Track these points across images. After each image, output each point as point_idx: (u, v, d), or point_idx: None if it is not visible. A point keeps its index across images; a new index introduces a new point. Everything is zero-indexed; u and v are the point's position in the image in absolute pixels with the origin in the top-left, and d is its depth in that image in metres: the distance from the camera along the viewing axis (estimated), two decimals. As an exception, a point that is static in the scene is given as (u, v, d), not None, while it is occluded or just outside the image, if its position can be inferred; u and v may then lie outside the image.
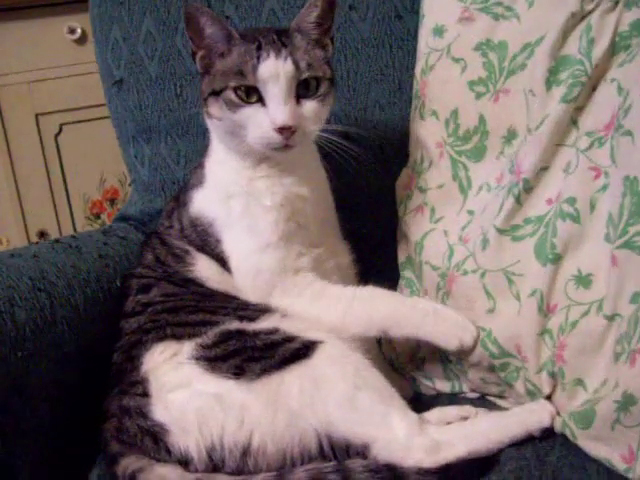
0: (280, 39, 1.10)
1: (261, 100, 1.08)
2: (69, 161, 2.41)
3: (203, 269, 1.19)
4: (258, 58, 1.07)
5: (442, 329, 1.14)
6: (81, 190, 2.44)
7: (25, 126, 2.34)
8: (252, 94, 1.08)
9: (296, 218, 1.18)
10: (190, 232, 1.22)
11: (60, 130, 2.39)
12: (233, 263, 1.18)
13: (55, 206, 2.42)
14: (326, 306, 1.16)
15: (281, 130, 1.07)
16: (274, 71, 1.06)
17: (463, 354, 1.16)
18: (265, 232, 1.15)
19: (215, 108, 1.12)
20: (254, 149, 1.12)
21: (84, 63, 2.24)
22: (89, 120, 2.36)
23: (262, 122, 1.08)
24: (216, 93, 1.11)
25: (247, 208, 1.16)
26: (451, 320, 1.15)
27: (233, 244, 1.18)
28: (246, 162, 1.16)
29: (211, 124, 1.18)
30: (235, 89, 1.08)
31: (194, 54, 1.15)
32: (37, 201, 2.39)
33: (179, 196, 1.29)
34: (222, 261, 1.19)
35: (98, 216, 2.47)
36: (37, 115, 2.35)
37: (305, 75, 1.09)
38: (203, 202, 1.21)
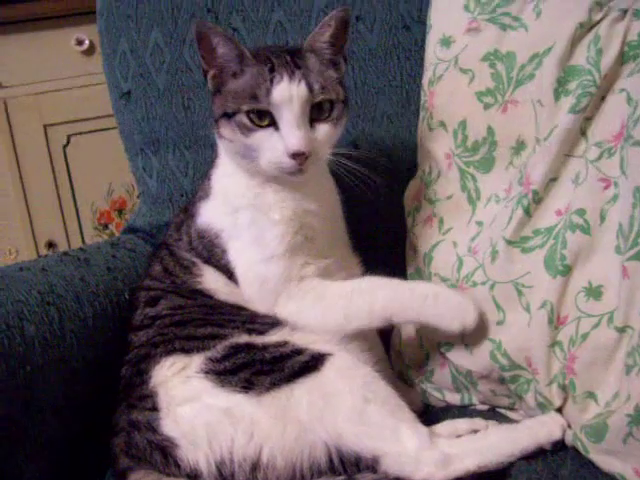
0: (293, 60, 1.09)
1: (274, 123, 1.07)
2: (77, 172, 2.42)
3: (210, 281, 1.19)
4: (271, 81, 1.06)
5: (443, 312, 1.13)
6: (89, 200, 2.45)
7: (33, 137, 2.35)
8: (265, 117, 1.07)
9: (304, 232, 1.17)
10: (197, 244, 1.21)
11: (68, 141, 2.40)
12: (239, 273, 1.18)
13: (63, 217, 2.43)
14: (328, 305, 1.16)
15: (295, 156, 1.06)
16: (288, 95, 1.05)
17: (466, 336, 1.15)
18: (271, 244, 1.15)
19: (227, 130, 1.11)
20: (266, 172, 1.11)
21: (92, 74, 2.25)
22: (97, 131, 2.37)
23: (275, 147, 1.07)
24: (228, 115, 1.10)
25: (254, 220, 1.16)
26: (452, 302, 1.14)
27: (239, 254, 1.18)
28: (255, 180, 1.15)
29: (222, 144, 1.17)
30: (248, 113, 1.07)
31: (205, 73, 1.13)
32: (45, 212, 2.40)
33: (187, 208, 1.29)
34: (228, 272, 1.18)
35: (106, 226, 2.47)
36: (45, 126, 2.36)
37: (319, 98, 1.08)
38: (210, 214, 1.21)
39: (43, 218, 2.40)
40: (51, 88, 2.33)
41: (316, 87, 1.07)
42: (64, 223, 2.43)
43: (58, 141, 2.38)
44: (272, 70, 1.07)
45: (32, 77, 2.31)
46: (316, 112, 1.09)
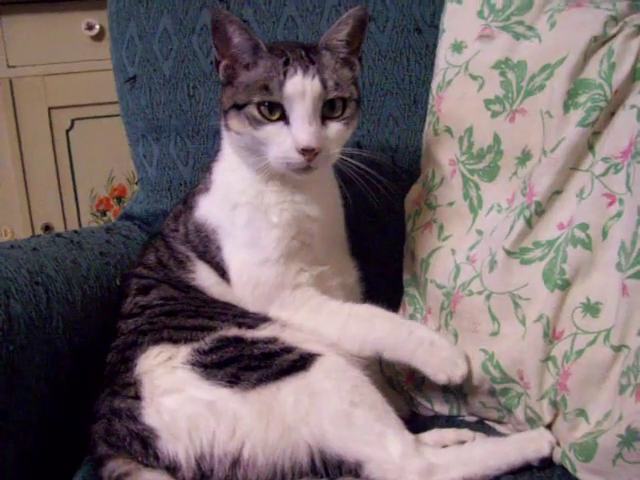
0: (308, 55, 1.07)
1: (285, 118, 1.05)
2: (79, 157, 2.41)
3: (203, 278, 1.18)
4: (285, 74, 1.04)
5: (434, 362, 1.11)
6: (89, 186, 2.44)
7: (37, 119, 2.34)
8: (275, 111, 1.05)
9: (301, 237, 1.15)
10: (193, 237, 1.20)
11: (72, 125, 2.39)
12: (232, 272, 1.16)
13: (62, 201, 2.42)
14: (323, 321, 1.14)
15: (304, 151, 1.03)
16: (301, 89, 1.03)
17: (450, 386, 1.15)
18: (267, 248, 1.13)
19: (236, 122, 1.09)
20: (273, 168, 1.08)
21: (100, 60, 2.24)
22: (101, 117, 2.36)
23: (284, 142, 1.05)
24: (238, 107, 1.08)
25: (252, 220, 1.14)
26: (445, 354, 1.11)
27: (233, 254, 1.16)
28: (258, 175, 1.13)
29: (229, 137, 1.15)
30: (258, 105, 1.05)
31: (217, 63, 1.11)
32: (44, 195, 2.39)
33: (187, 199, 1.27)
34: (221, 270, 1.17)
35: (104, 213, 2.46)
36: (50, 109, 2.35)
37: (332, 95, 1.06)
38: (208, 208, 1.19)
39: (41, 201, 2.39)
40: (58, 71, 2.32)
41: (330, 83, 1.06)
42: (62, 207, 2.42)
43: (62, 125, 2.38)
44: (286, 63, 1.05)
45: (40, 59, 2.31)
46: (328, 110, 1.07)
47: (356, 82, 1.13)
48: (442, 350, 1.12)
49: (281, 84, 1.04)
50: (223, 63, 1.11)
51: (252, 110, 1.06)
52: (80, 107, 2.36)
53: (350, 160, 1.10)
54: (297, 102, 1.04)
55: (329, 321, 1.14)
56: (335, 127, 1.08)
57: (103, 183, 2.44)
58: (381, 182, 1.13)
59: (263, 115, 1.05)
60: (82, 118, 2.38)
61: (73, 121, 2.38)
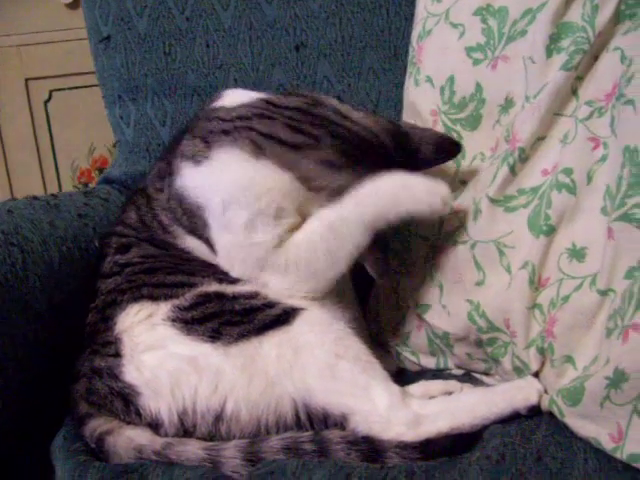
0: None
1: None
2: (58, 129, 2.37)
3: (187, 243, 1.12)
4: None
5: (413, 199, 1.05)
6: (69, 158, 2.40)
7: (14, 91, 2.30)
8: None
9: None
10: (175, 206, 1.11)
11: (50, 97, 2.34)
12: (220, 251, 1.09)
13: (42, 174, 2.39)
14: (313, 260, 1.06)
15: None
16: None
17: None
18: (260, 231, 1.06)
19: None
20: None
21: (76, 28, 2.18)
22: (80, 87, 2.32)
23: None
24: None
25: (252, 223, 1.05)
26: (420, 187, 1.05)
27: (222, 237, 1.08)
28: None
29: None
30: None
31: None
32: (24, 168, 2.36)
33: (170, 161, 1.14)
34: (209, 243, 1.09)
35: (86, 185, 2.43)
36: (27, 80, 2.30)
37: None
38: (196, 183, 1.07)
39: (21, 174, 2.37)
40: (34, 41, 2.27)
41: None
42: (43, 181, 2.39)
43: (40, 96, 2.34)
44: None
45: (14, 28, 2.26)
46: None
47: None
48: (415, 185, 1.06)
49: None
50: None
51: None
52: (58, 78, 2.31)
53: None
54: None
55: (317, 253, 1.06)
56: None
57: (84, 154, 2.40)
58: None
59: None
60: (60, 89, 2.34)
61: (51, 92, 2.34)
